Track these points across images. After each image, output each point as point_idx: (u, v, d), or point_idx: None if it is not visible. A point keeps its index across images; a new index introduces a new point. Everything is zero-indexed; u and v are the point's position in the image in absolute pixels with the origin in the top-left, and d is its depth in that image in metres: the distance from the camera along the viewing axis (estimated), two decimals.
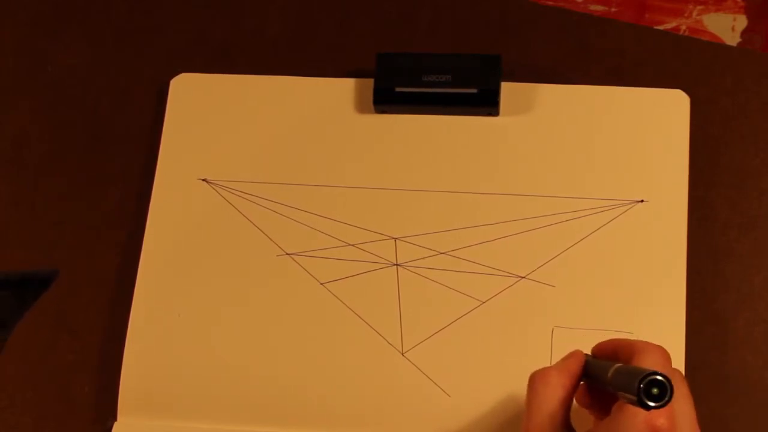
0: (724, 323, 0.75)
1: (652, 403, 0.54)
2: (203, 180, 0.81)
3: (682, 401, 0.60)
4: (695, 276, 0.75)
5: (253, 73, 0.84)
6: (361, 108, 0.82)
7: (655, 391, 0.55)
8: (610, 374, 0.59)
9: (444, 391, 0.75)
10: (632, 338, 0.73)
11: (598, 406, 0.65)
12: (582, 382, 0.64)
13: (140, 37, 0.87)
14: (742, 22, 0.85)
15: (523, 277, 0.76)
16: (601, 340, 0.66)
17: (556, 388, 0.61)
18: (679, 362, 0.73)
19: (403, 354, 0.76)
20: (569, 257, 0.76)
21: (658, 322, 0.74)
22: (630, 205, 0.77)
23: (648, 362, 0.59)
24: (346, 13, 0.86)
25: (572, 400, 0.62)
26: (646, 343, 0.61)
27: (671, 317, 0.74)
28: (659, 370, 0.55)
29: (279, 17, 0.87)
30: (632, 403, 0.56)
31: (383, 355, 0.76)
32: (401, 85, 0.80)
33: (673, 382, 0.58)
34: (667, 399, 0.54)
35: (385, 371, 0.75)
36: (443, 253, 0.77)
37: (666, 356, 0.61)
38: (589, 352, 0.66)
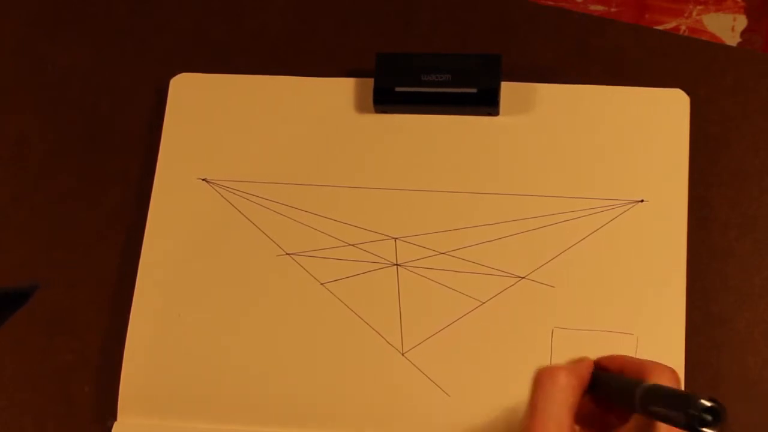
0: (724, 323, 0.75)
1: (706, 430, 0.52)
2: (203, 180, 0.81)
3: None
4: (695, 276, 0.75)
5: (253, 73, 0.84)
6: (361, 108, 0.82)
7: (708, 417, 0.53)
8: (638, 393, 0.57)
9: (444, 391, 0.75)
10: (632, 339, 0.73)
11: (598, 420, 0.63)
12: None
13: (140, 37, 0.87)
14: (742, 22, 0.85)
15: (523, 278, 0.76)
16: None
17: (565, 390, 0.59)
18: (679, 362, 0.73)
19: (403, 354, 0.76)
20: (569, 257, 0.76)
21: (658, 322, 0.74)
22: (630, 205, 0.77)
23: (658, 381, 0.58)
24: (346, 13, 0.86)
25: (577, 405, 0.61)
26: (657, 363, 0.60)
27: (671, 317, 0.74)
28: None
29: (279, 17, 0.87)
30: (677, 425, 0.53)
31: (383, 355, 0.76)
32: (401, 84, 0.80)
33: None
34: (721, 424, 0.52)
35: (385, 371, 0.75)
36: (443, 253, 0.77)
37: (678, 379, 0.59)
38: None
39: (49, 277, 0.81)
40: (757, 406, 0.74)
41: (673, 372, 0.60)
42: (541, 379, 0.60)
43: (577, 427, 0.60)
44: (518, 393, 0.73)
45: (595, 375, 0.63)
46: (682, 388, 0.60)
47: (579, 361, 0.63)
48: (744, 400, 0.74)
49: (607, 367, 0.64)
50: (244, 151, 0.82)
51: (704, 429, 0.52)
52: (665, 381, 0.58)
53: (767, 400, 0.74)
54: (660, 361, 0.61)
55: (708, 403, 0.53)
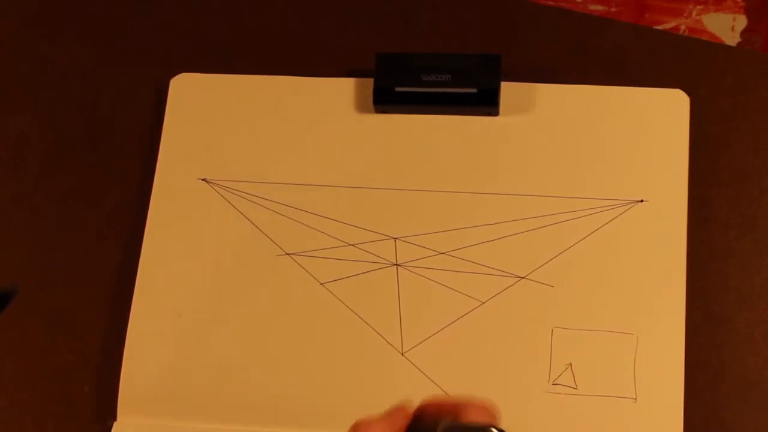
0: (724, 323, 0.75)
1: None
2: (203, 180, 0.81)
3: None
4: (695, 276, 0.75)
5: (253, 73, 0.84)
6: (361, 108, 0.82)
7: None
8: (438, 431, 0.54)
9: (444, 391, 0.74)
10: (632, 339, 0.73)
11: None
12: None
13: (140, 37, 0.87)
14: (742, 22, 0.85)
15: (523, 278, 0.76)
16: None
17: None
18: (679, 362, 0.73)
19: (402, 354, 0.76)
20: (569, 257, 0.76)
21: (658, 322, 0.74)
22: (630, 205, 0.77)
23: (472, 418, 0.54)
24: (346, 13, 0.86)
25: None
26: (470, 400, 0.56)
27: (671, 317, 0.74)
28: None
29: (279, 17, 0.87)
30: None
31: (383, 355, 0.76)
32: (401, 84, 0.80)
33: None
34: None
35: (385, 371, 0.75)
36: (443, 253, 0.77)
37: (489, 413, 0.56)
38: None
39: (49, 277, 0.81)
40: (757, 406, 0.74)
41: (484, 408, 0.56)
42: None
43: None
44: (518, 393, 0.73)
45: (414, 422, 0.58)
46: (498, 424, 0.55)
47: (396, 409, 0.58)
48: (744, 400, 0.74)
49: (426, 411, 0.59)
50: (244, 151, 0.82)
51: None
52: (477, 417, 0.55)
53: (767, 400, 0.74)
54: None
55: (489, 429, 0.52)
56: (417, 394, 0.75)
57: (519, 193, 0.78)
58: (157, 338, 0.78)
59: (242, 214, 0.80)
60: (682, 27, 0.85)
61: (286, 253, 0.79)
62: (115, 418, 0.77)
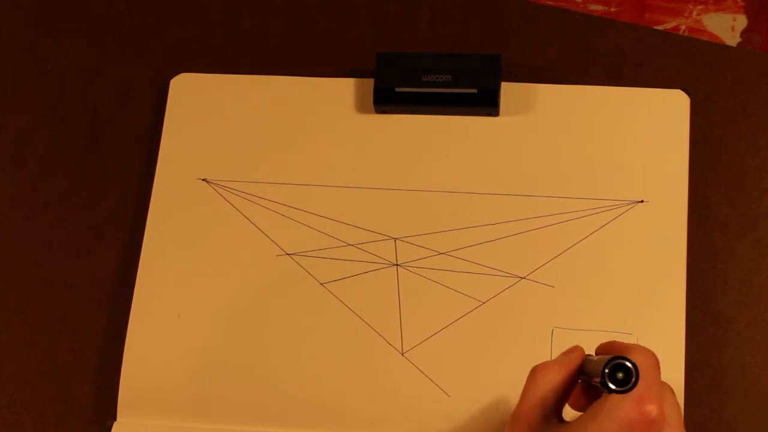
0: (724, 323, 0.75)
1: (613, 386, 0.56)
2: (203, 180, 0.81)
3: (670, 409, 0.59)
4: (695, 276, 0.75)
5: (253, 73, 0.84)
6: (361, 108, 0.82)
7: (620, 375, 0.56)
8: (588, 364, 0.60)
9: (444, 391, 0.75)
10: (632, 339, 0.73)
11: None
12: (579, 383, 0.64)
13: (140, 37, 0.87)
14: (741, 22, 0.85)
15: (523, 278, 0.76)
16: (601, 341, 0.66)
17: (553, 376, 0.61)
18: (679, 362, 0.73)
19: (402, 354, 0.76)
20: (569, 257, 0.76)
21: (657, 322, 0.74)
22: (630, 206, 0.77)
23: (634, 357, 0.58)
24: (346, 13, 0.86)
25: (567, 394, 0.62)
26: (638, 345, 0.61)
27: (671, 317, 0.74)
28: (645, 371, 0.56)
29: (279, 17, 0.87)
30: (600, 387, 0.57)
31: (383, 355, 0.76)
32: (401, 84, 0.80)
33: (663, 393, 0.58)
34: (632, 383, 0.55)
35: (385, 371, 0.75)
36: (443, 253, 0.77)
37: (654, 360, 0.60)
38: (592, 353, 0.66)
39: (49, 277, 0.81)
40: (757, 406, 0.74)
41: (648, 352, 0.60)
42: (533, 371, 0.63)
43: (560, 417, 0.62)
44: (518, 393, 0.73)
45: (585, 362, 0.64)
46: (660, 372, 0.61)
47: (571, 350, 0.64)
48: (744, 400, 0.74)
49: (599, 352, 0.65)
50: (244, 151, 0.82)
51: (611, 385, 0.56)
52: (639, 358, 0.59)
53: (767, 400, 0.74)
54: (661, 360, 0.62)
55: (618, 361, 0.56)
56: (417, 394, 0.75)
57: (519, 193, 0.78)
58: (157, 338, 0.78)
59: (242, 214, 0.80)
60: (682, 27, 0.85)
61: (286, 253, 0.79)
62: (115, 418, 0.77)
